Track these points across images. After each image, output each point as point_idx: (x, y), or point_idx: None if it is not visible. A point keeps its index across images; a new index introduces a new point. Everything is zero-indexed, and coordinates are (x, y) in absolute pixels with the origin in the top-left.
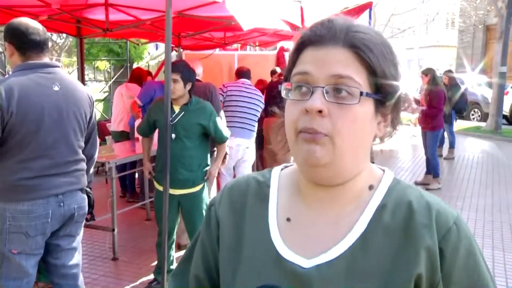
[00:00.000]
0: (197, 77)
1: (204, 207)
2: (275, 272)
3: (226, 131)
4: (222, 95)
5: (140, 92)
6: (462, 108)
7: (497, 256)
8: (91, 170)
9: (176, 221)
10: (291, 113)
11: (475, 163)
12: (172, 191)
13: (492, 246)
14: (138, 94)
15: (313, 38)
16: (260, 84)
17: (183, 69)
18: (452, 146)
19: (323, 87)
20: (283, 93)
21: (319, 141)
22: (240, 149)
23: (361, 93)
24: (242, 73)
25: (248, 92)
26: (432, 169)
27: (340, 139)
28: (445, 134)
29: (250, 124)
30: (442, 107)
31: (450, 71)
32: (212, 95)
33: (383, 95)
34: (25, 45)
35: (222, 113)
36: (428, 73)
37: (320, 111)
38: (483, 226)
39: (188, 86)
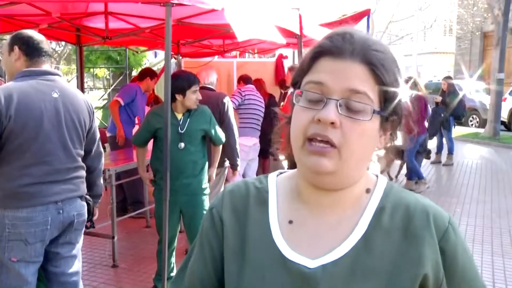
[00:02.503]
0: (210, 86)
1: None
2: (280, 273)
3: (222, 134)
4: (241, 98)
5: (122, 91)
6: (460, 115)
7: (497, 262)
8: (99, 182)
9: (177, 229)
10: (300, 119)
11: (473, 169)
12: (174, 198)
13: (492, 252)
14: (119, 94)
15: (333, 49)
16: (256, 83)
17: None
18: (450, 152)
19: (338, 100)
20: (294, 99)
21: (327, 153)
22: (255, 148)
23: (374, 111)
24: (248, 79)
25: (258, 97)
26: (413, 174)
27: (347, 151)
28: (444, 140)
29: (260, 126)
30: (423, 114)
31: (449, 77)
32: (225, 107)
33: (389, 113)
34: (36, 51)
35: (236, 129)
36: (408, 80)
37: (332, 123)
38: (482, 232)
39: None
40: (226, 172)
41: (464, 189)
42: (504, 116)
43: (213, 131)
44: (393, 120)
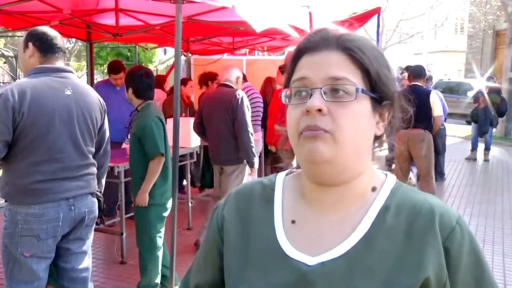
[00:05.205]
0: (227, 83)
1: (148, 227)
2: (281, 270)
3: (158, 145)
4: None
5: None
6: (504, 111)
7: (508, 264)
8: (103, 180)
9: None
10: (292, 116)
11: (484, 169)
12: None
13: (503, 253)
14: None
15: (308, 45)
16: (267, 80)
17: (126, 75)
18: (488, 148)
19: (321, 88)
20: (284, 100)
21: (321, 137)
22: (259, 143)
23: (357, 90)
24: (245, 77)
25: (258, 92)
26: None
27: (341, 135)
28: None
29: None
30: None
31: (490, 77)
32: (237, 103)
33: (378, 95)
34: (50, 48)
35: (250, 126)
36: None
37: (319, 110)
38: (493, 233)
39: (130, 91)
40: (245, 170)
41: (475, 189)
42: None
43: (142, 139)
44: (386, 104)
